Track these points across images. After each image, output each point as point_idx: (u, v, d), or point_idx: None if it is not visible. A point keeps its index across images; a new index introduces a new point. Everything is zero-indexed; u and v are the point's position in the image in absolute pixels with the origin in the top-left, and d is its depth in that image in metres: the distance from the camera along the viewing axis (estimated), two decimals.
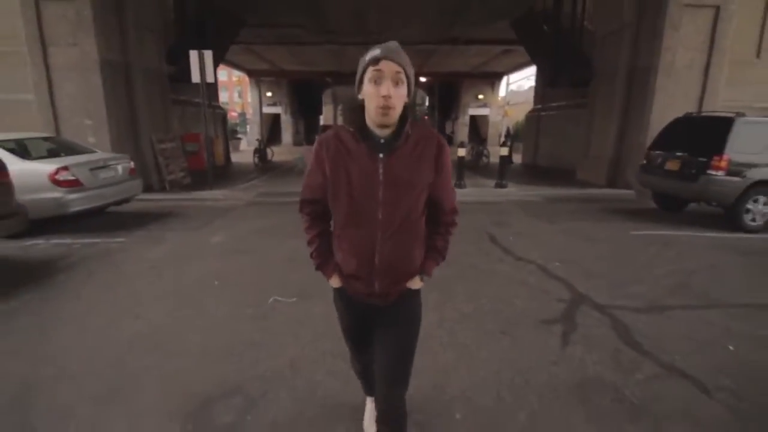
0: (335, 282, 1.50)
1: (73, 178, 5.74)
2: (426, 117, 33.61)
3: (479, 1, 12.18)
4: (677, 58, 8.13)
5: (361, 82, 1.29)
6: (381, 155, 1.30)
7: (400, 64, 1.24)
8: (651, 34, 8.25)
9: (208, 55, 8.27)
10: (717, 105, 8.26)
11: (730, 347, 2.81)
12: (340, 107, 34.01)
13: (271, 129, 29.97)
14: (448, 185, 1.45)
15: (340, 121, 33.80)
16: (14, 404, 2.22)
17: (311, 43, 17.76)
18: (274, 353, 2.70)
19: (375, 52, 1.24)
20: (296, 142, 28.82)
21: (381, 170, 1.30)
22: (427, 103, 35.17)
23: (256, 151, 15.18)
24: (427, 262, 1.48)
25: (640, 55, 8.62)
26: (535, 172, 13.15)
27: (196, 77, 8.26)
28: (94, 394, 2.30)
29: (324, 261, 1.48)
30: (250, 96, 30.49)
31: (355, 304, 1.51)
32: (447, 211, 1.47)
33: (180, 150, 10.06)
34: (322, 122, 32.25)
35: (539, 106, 15.06)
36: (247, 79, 29.14)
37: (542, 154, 15.04)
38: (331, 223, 1.48)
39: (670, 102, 8.08)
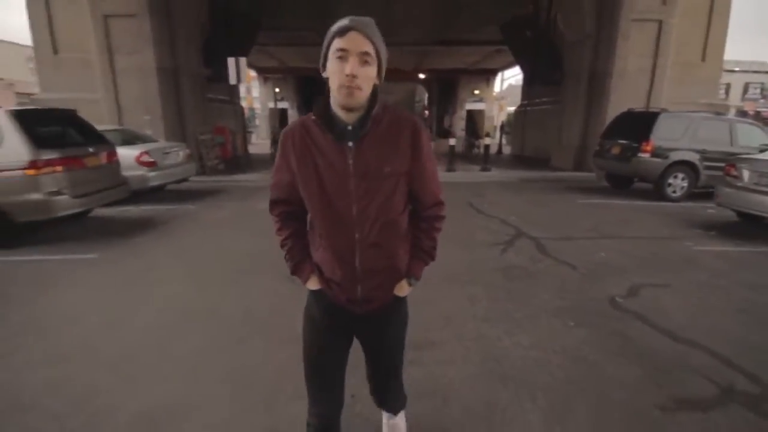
0: (313, 284, 1.32)
1: (151, 160, 7.55)
2: (427, 112, 35.32)
3: (468, 8, 13.91)
4: (628, 63, 9.90)
5: (326, 57, 1.13)
6: (350, 144, 1.16)
7: (369, 39, 1.08)
8: (607, 43, 10.02)
9: (242, 60, 10.02)
10: (662, 102, 10.03)
11: (602, 254, 4.63)
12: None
13: (279, 123, 31.66)
14: (428, 174, 1.27)
15: None
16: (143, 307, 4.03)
17: (319, 44, 19.36)
18: None
19: (343, 22, 1.08)
20: None
21: (350, 160, 1.16)
22: (426, 99, 36.80)
23: (272, 142, 16.99)
24: (414, 263, 1.33)
25: (598, 60, 10.40)
26: (519, 161, 14.95)
27: (233, 80, 10.02)
28: (208, 289, 4.11)
29: (298, 264, 1.32)
30: (258, 92, 32.13)
31: (334, 309, 1.31)
32: (430, 204, 1.30)
33: (214, 141, 11.84)
34: None
35: (525, 102, 16.79)
36: (253, 75, 30.76)
37: (528, 145, 16.77)
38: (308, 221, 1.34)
39: (623, 100, 9.84)
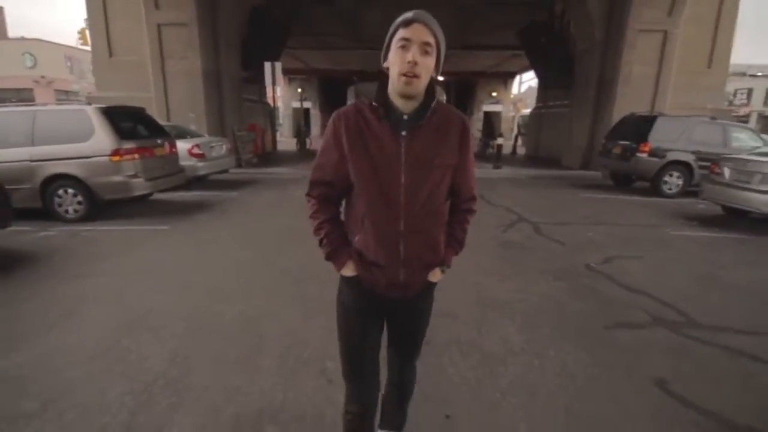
0: (349, 270, 1.32)
1: (201, 152, 8.64)
2: None
3: (485, 14, 14.72)
4: (634, 71, 10.59)
5: (388, 48, 1.19)
6: (403, 133, 1.20)
7: (431, 31, 1.15)
8: (614, 51, 10.72)
9: (278, 65, 11.08)
10: (666, 107, 10.69)
11: (590, 234, 5.45)
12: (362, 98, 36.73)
13: (299, 122, 32.89)
14: (470, 170, 1.35)
15: None
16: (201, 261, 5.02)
17: (345, 48, 20.49)
18: None
19: (408, 15, 1.15)
20: (323, 134, 31.77)
21: (403, 149, 1.20)
22: (444, 100, 37.51)
23: (297, 140, 18.10)
24: (447, 252, 1.39)
25: (606, 67, 11.10)
26: (532, 161, 15.67)
27: (269, 82, 11.08)
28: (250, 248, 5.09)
29: (335, 249, 1.32)
30: (281, 91, 33.40)
31: (368, 293, 1.34)
32: (467, 198, 1.38)
33: (249, 137, 12.95)
34: None
35: (540, 105, 17.47)
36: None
37: (542, 146, 17.42)
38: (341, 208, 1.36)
39: (628, 104, 10.51)
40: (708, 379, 2.43)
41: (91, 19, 11.68)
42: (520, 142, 21.68)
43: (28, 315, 3.10)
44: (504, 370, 2.49)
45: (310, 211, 1.34)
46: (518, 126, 27.49)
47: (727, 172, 6.47)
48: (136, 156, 6.21)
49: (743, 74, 39.11)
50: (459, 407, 2.15)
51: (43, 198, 5.94)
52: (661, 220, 6.50)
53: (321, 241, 1.33)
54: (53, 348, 2.64)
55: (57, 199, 5.99)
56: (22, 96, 30.91)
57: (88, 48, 22.50)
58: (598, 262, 4.42)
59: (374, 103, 1.22)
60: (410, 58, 1.13)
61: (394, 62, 1.17)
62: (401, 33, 1.15)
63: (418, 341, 1.53)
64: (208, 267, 4.17)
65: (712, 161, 6.89)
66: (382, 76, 1.24)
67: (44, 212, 5.89)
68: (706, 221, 6.50)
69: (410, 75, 1.14)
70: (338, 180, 1.28)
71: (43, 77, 32.95)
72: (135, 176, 6.16)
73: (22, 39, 34.03)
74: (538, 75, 15.90)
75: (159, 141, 6.83)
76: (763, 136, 8.83)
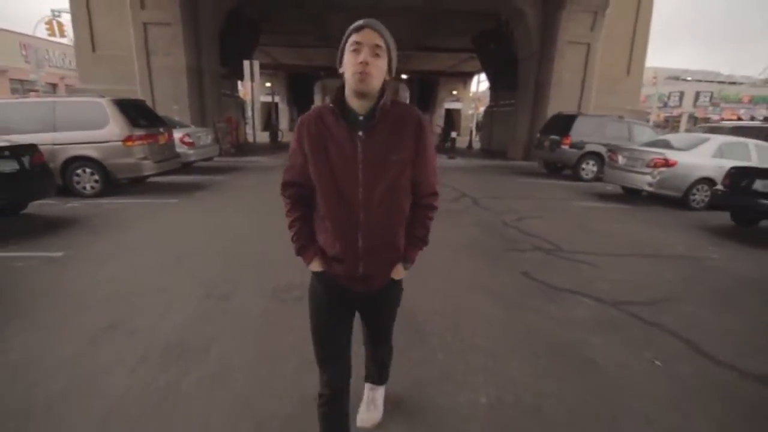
0: (316, 266, 1.44)
1: (191, 141, 9.76)
2: None
3: (443, 21, 16.39)
4: (563, 76, 12.57)
5: (342, 53, 1.28)
6: (360, 133, 1.28)
7: (381, 35, 1.24)
8: (548, 59, 12.66)
9: (256, 63, 12.24)
10: (590, 107, 12.74)
11: (512, 205, 7.15)
12: (327, 97, 37.88)
13: (270, 115, 33.60)
14: (428, 166, 1.41)
15: None
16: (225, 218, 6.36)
17: (313, 46, 21.63)
18: None
19: (359, 22, 1.25)
20: (291, 128, 32.62)
21: (359, 149, 1.28)
22: (408, 98, 39.25)
23: (270, 133, 19.18)
24: (410, 249, 1.47)
25: (541, 72, 13.05)
26: (485, 153, 17.57)
27: (248, 78, 12.21)
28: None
29: (304, 245, 1.44)
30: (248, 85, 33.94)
31: (335, 288, 1.44)
32: (426, 194, 1.44)
33: (227, 128, 14.00)
34: None
35: (492, 104, 19.42)
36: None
37: (494, 140, 19.38)
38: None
39: (559, 105, 12.46)
40: (555, 272, 4.09)
41: (74, 14, 12.36)
42: (477, 137, 23.67)
43: (92, 255, 4.36)
44: (433, 267, 4.04)
45: (285, 210, 1.47)
46: (477, 123, 29.57)
47: (621, 159, 8.39)
48: (145, 141, 7.35)
49: (677, 78, 43.31)
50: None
51: (64, 176, 6.97)
52: (570, 196, 8.35)
53: (292, 238, 1.45)
54: (121, 277, 3.96)
55: (76, 178, 7.05)
56: None
57: (56, 39, 22.42)
58: (512, 220, 6.09)
59: (331, 105, 1.31)
60: (362, 58, 1.21)
61: (348, 64, 1.24)
62: (353, 38, 1.23)
63: (388, 329, 1.71)
64: (221, 225, 5.50)
65: (612, 151, 8.82)
66: (340, 81, 1.32)
67: (63, 189, 6.91)
68: (604, 197, 8.42)
69: (363, 73, 1.22)
70: (305, 181, 1.38)
71: None
72: (144, 159, 7.31)
73: None
74: (489, 77, 17.79)
75: (161, 129, 7.97)
76: (658, 132, 10.96)
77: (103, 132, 7.01)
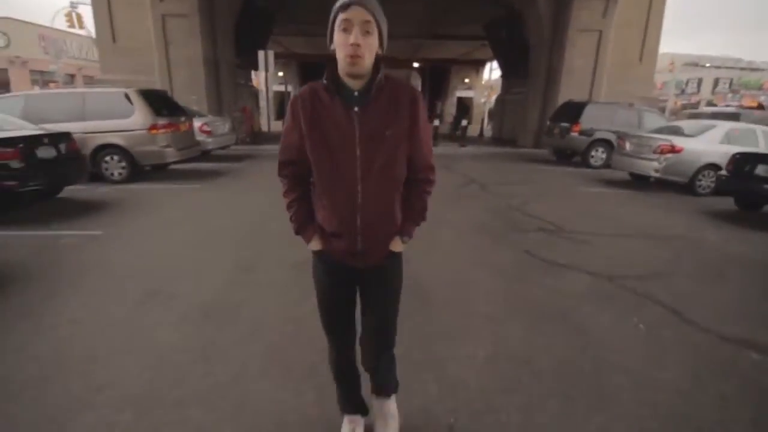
0: (315, 245, 1.46)
1: (209, 129, 10.14)
2: None
3: (454, 8, 16.38)
4: (575, 64, 12.59)
5: (332, 32, 1.24)
6: (356, 108, 1.28)
7: (370, 11, 1.20)
8: (559, 47, 12.68)
9: (270, 53, 12.52)
10: (602, 95, 12.76)
11: (520, 189, 7.38)
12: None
13: (282, 104, 33.95)
14: (423, 140, 1.40)
15: None
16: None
17: (324, 35, 21.70)
18: None
19: None
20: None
21: (356, 124, 1.28)
22: (419, 86, 39.18)
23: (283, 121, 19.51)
24: (407, 224, 1.48)
25: (552, 61, 13.07)
26: (495, 141, 17.68)
27: (262, 68, 12.51)
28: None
29: (303, 225, 1.46)
30: (262, 75, 34.27)
31: (336, 266, 1.47)
32: (422, 167, 1.44)
33: (242, 118, 14.36)
34: None
35: (504, 92, 19.40)
36: None
37: (505, 129, 19.41)
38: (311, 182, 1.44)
39: (570, 93, 12.51)
40: (555, 250, 4.36)
41: (95, 7, 12.76)
42: (488, 125, 23.69)
43: (129, 233, 4.77)
44: (440, 245, 4.34)
45: (283, 190, 1.47)
46: (489, 111, 29.47)
47: (628, 145, 8.52)
48: (168, 130, 7.74)
49: (695, 64, 42.35)
50: (414, 256, 3.99)
51: (93, 163, 7.40)
52: (577, 182, 8.54)
53: (291, 218, 1.46)
54: (157, 251, 4.35)
55: (104, 164, 7.48)
56: None
57: (75, 30, 22.95)
58: (517, 204, 6.34)
59: (324, 82, 1.28)
60: (353, 40, 1.18)
61: (338, 45, 1.22)
62: (341, 16, 1.19)
63: (389, 312, 1.59)
64: (243, 206, 5.87)
65: (621, 138, 8.95)
66: (331, 58, 1.29)
67: (93, 175, 7.32)
68: (611, 183, 8.58)
69: (355, 56, 1.20)
70: (302, 158, 1.37)
71: (17, 57, 32.62)
72: (168, 146, 7.70)
73: None
74: (500, 65, 17.79)
75: (182, 119, 8.35)
76: (672, 119, 10.99)
77: (129, 121, 7.41)
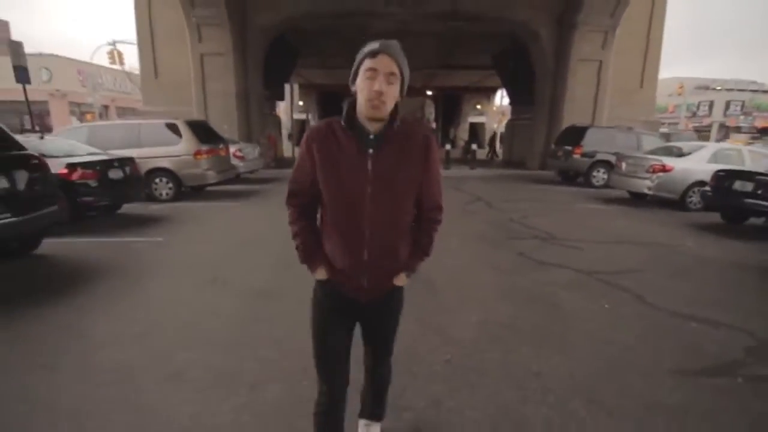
0: (321, 274, 1.47)
1: (242, 155, 11.26)
2: (434, 124, 39.11)
3: (466, 41, 17.60)
4: (576, 92, 13.48)
5: (356, 74, 1.29)
6: (370, 151, 1.32)
7: (396, 61, 1.25)
8: (561, 76, 13.62)
9: (296, 86, 13.76)
10: (603, 120, 13.54)
11: (522, 206, 8.14)
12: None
13: (302, 132, 35.55)
14: (434, 182, 1.46)
15: None
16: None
17: (344, 67, 23.22)
18: None
19: (374, 45, 1.25)
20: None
21: (369, 166, 1.31)
22: (433, 113, 40.58)
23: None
24: (412, 259, 1.52)
25: (556, 89, 14.01)
26: (504, 164, 18.50)
27: (287, 100, 13.72)
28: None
29: (309, 254, 1.47)
30: (283, 104, 36.12)
31: (339, 295, 1.49)
32: (432, 207, 1.50)
33: (268, 144, 15.58)
34: None
35: (513, 118, 20.34)
36: None
37: (515, 152, 20.24)
38: (318, 216, 1.48)
39: (573, 118, 13.32)
40: (546, 253, 5.09)
41: (140, 45, 14.32)
42: (500, 148, 24.55)
43: (185, 239, 5.71)
44: (445, 250, 5.12)
45: (289, 219, 1.49)
46: (498, 134, 30.44)
47: (624, 165, 9.25)
48: (210, 155, 8.82)
49: (706, 87, 42.81)
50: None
51: (145, 184, 8.48)
52: (577, 200, 9.25)
53: (297, 247, 1.47)
54: (210, 252, 5.26)
55: (154, 185, 8.55)
56: (39, 108, 33.11)
57: (116, 66, 24.95)
58: (518, 217, 7.11)
59: (343, 123, 1.33)
60: (377, 87, 1.23)
61: (362, 89, 1.27)
62: (368, 63, 1.25)
63: (388, 342, 1.66)
64: (279, 219, 6.76)
65: (618, 158, 9.68)
66: (351, 98, 1.34)
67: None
68: (609, 201, 9.27)
69: (377, 103, 1.25)
70: (312, 191, 1.41)
71: (58, 90, 35.24)
72: (209, 169, 8.77)
73: (39, 54, 36.36)
74: (508, 93, 18.81)
75: (221, 145, 9.46)
76: (669, 141, 11.67)
77: (177, 147, 8.51)
